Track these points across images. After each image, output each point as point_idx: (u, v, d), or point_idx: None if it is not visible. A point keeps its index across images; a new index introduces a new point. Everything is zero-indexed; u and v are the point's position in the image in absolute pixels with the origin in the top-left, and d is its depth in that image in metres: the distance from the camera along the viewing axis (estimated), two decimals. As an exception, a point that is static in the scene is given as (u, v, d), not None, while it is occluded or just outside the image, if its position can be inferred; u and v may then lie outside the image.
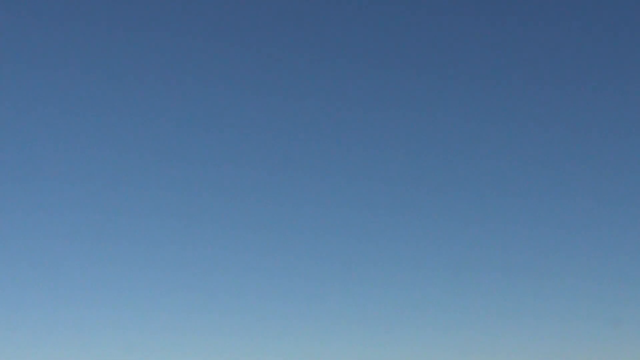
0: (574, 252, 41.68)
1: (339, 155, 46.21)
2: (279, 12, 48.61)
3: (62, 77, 49.47)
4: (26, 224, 47.29)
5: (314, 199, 45.09)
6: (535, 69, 51.64)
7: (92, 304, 42.01)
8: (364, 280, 40.24)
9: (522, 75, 50.34)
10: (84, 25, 47.30)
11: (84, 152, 49.18)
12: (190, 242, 45.88)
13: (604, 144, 45.55)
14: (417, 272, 39.88)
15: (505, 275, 39.77)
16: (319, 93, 50.74)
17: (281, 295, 45.11)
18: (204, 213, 48.89)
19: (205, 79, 53.98)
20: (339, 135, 49.34)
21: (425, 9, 49.04)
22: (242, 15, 49.95)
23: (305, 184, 48.76)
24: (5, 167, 46.87)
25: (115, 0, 44.38)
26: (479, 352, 36.64)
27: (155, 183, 49.07)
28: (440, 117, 48.22)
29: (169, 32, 47.39)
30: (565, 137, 48.38)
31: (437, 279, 40.16)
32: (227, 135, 51.93)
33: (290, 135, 50.29)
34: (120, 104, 49.48)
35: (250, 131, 50.83)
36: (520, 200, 44.65)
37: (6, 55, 45.80)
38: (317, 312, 39.44)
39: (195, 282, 43.94)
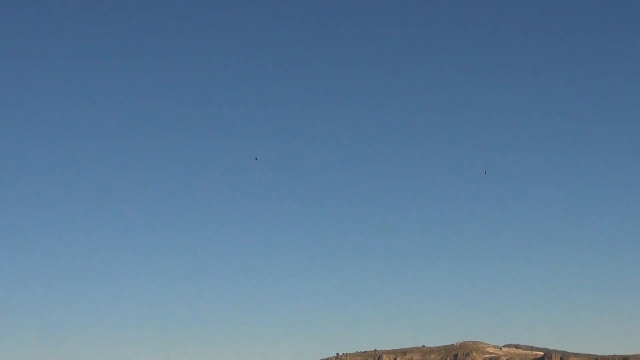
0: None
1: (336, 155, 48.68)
2: (279, 14, 50.26)
3: (61, 77, 50.82)
4: (26, 221, 49.20)
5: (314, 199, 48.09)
6: (533, 69, 54.32)
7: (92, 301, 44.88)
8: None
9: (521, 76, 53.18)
10: (85, 26, 48.53)
11: (84, 149, 50.79)
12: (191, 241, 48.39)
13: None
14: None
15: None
16: (318, 97, 53.10)
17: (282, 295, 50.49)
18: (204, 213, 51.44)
19: (205, 83, 55.92)
20: (337, 136, 52.05)
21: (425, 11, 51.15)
22: (244, 18, 51.52)
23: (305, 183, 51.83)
24: (5, 167, 48.63)
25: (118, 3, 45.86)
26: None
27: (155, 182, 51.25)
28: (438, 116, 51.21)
29: (169, 33, 48.77)
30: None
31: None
32: (227, 136, 54.22)
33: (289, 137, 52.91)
34: (120, 107, 51.51)
35: (249, 133, 53.34)
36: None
37: (6, 55, 46.93)
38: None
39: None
